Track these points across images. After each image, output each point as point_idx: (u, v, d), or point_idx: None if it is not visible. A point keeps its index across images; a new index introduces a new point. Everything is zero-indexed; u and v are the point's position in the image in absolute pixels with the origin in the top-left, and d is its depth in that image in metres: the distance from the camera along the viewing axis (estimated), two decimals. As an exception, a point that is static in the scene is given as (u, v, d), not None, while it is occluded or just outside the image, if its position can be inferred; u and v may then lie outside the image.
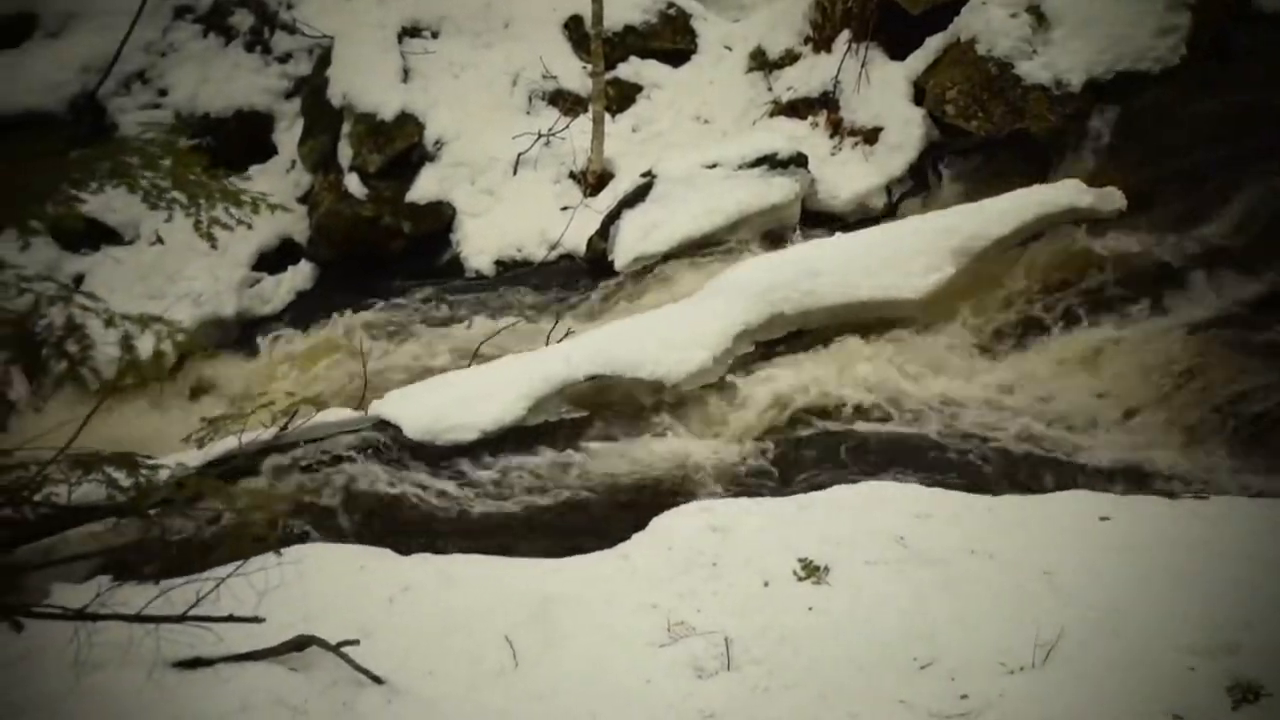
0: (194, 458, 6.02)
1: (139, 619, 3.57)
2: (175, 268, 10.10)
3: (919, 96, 10.05)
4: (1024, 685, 4.29)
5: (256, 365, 9.50)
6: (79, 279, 9.91)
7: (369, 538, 6.17)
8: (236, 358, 9.62)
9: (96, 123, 11.36)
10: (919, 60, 10.21)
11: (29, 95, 11.45)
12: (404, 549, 5.92)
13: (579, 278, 9.62)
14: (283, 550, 4.42)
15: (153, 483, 2.88)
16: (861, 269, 7.82)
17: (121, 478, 2.92)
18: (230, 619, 4.46)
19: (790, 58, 11.23)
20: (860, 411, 7.19)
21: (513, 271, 9.90)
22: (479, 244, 10.10)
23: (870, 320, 7.75)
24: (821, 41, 11.04)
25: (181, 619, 3.86)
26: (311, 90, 11.15)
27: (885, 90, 10.25)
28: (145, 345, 2.46)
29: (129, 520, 5.11)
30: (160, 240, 10.28)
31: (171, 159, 2.47)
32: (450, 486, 6.76)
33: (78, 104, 11.54)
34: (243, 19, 11.93)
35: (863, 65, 10.42)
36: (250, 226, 2.88)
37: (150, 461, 3.04)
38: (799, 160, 9.61)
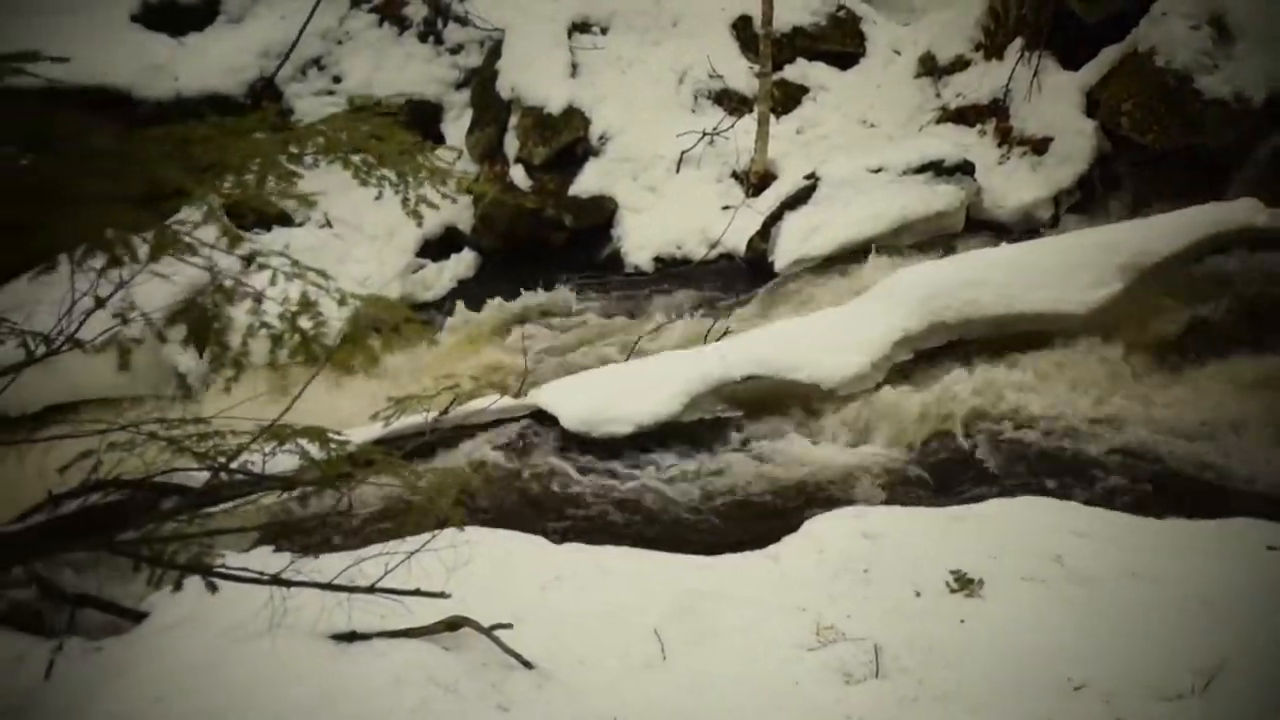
0: (362, 435, 6.18)
1: (331, 587, 3.67)
2: (343, 251, 10.32)
3: (1091, 107, 9.87)
4: (1181, 713, 4.19)
5: (418, 350, 9.67)
6: (249, 258, 10.21)
7: (523, 525, 6.25)
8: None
9: (264, 106, 11.66)
10: (1093, 70, 10.03)
11: (210, 78, 11.85)
12: (557, 538, 6.00)
13: (738, 278, 9.63)
14: (466, 529, 4.47)
15: (341, 457, 2.97)
16: (1026, 281, 7.69)
17: (314, 450, 3.01)
18: (417, 593, 4.55)
19: (960, 64, 11.10)
20: (1019, 425, 7.09)
21: (672, 269, 9.95)
22: (639, 240, 10.17)
23: (1033, 333, 7.62)
24: (993, 48, 10.91)
25: (371, 590, 3.96)
26: (481, 82, 11.33)
27: (1057, 100, 10.09)
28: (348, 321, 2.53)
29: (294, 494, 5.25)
30: (329, 224, 10.51)
31: (388, 137, 2.56)
32: (604, 478, 6.82)
33: (256, 88, 11.89)
34: (417, 10, 12.19)
35: (1035, 74, 10.26)
36: (454, 200, 2.95)
37: (338, 437, 3.13)
38: (965, 168, 9.50)
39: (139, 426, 3.22)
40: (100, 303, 3.13)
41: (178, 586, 2.76)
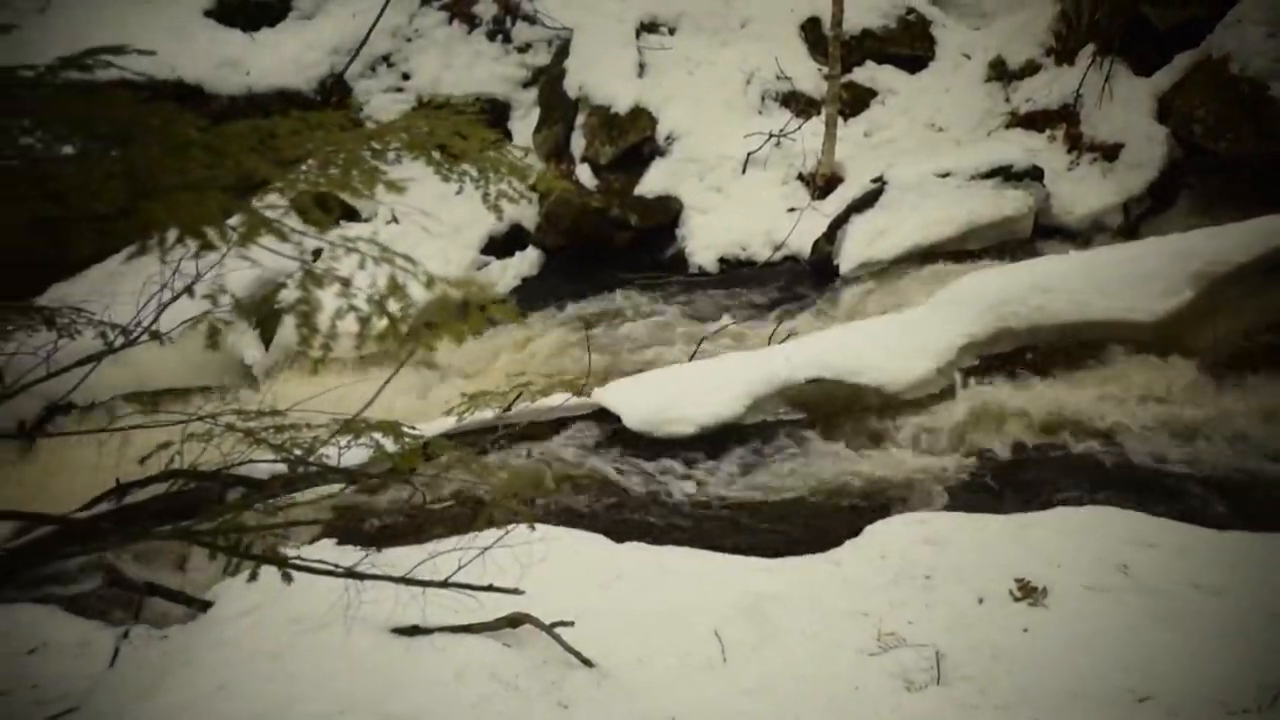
0: (432, 429, 6.22)
1: (406, 581, 3.70)
2: (409, 247, 10.26)
3: (1163, 114, 9.78)
4: (1248, 728, 4.15)
5: (479, 345, 9.70)
6: (317, 253, 10.32)
7: (584, 522, 6.27)
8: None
9: (342, 103, 11.79)
10: (1165, 77, 9.93)
11: (281, 74, 12.01)
12: (618, 536, 6.01)
13: (802, 280, 9.62)
14: (536, 527, 4.50)
15: (416, 451, 3.00)
16: (1096, 288, 7.61)
17: (389, 444, 3.05)
18: (491, 588, 4.58)
19: (1031, 68, 11.02)
20: (1085, 433, 7.01)
21: (736, 270, 9.96)
22: (704, 240, 10.18)
23: (1101, 340, 7.53)
24: (1064, 53, 10.82)
25: (444, 584, 3.98)
26: (549, 80, 11.39)
27: (1128, 106, 9.99)
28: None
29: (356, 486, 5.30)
30: (395, 220, 10.60)
31: (470, 134, 2.59)
32: (666, 478, 6.82)
33: (326, 84, 12.02)
34: (486, 8, 12.29)
35: (1106, 79, 10.16)
36: (530, 200, 2.98)
37: (412, 431, 3.16)
38: (1035, 174, 9.44)
39: (216, 418, 3.26)
40: (178, 295, 3.19)
41: (253, 577, 2.80)
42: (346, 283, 2.19)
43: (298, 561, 2.84)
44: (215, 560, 6.25)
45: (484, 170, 2.65)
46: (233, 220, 2.06)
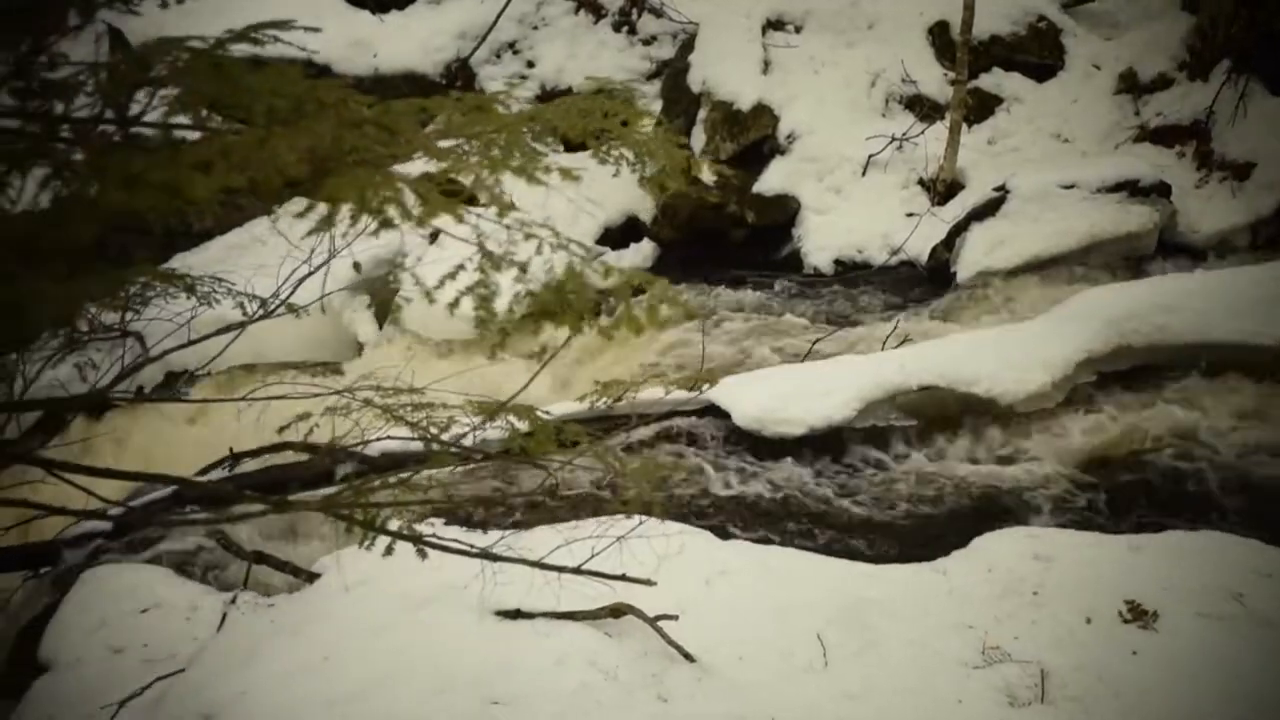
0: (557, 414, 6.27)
1: (540, 565, 3.74)
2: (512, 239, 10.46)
3: (1299, 134, 9.55)
4: (1362, 767, 4.07)
5: (589, 336, 9.73)
6: (434, 235, 10.44)
7: (690, 518, 6.29)
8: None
9: (466, 88, 11.91)
10: (1304, 96, 9.70)
11: (408, 57, 12.17)
12: (723, 533, 6.02)
13: (918, 286, 9.55)
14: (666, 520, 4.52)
15: (549, 436, 3.04)
16: (1220, 309, 7.45)
17: (523, 426, 3.09)
18: (624, 578, 4.61)
19: (1162, 82, 10.81)
20: (1202, 456, 6.89)
21: (851, 273, 9.91)
22: (820, 241, 10.14)
23: (1223, 363, 7.38)
24: (1198, 68, 10.60)
25: (578, 571, 4.02)
26: (672, 74, 11.42)
27: (1262, 125, 9.78)
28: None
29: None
30: (514, 207, 10.67)
31: (631, 120, 2.63)
32: (773, 477, 6.81)
33: (451, 68, 12.14)
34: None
35: (1241, 97, 9.96)
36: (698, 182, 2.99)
37: (543, 415, 3.21)
38: (1162, 189, 9.29)
39: (354, 392, 3.33)
40: (315, 269, 3.26)
41: (388, 551, 2.85)
42: (524, 268, 2.23)
43: (433, 540, 2.89)
44: (326, 532, 6.43)
45: (640, 154, 2.69)
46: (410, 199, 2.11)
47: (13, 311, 1.94)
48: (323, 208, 2.02)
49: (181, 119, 1.99)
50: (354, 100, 2.10)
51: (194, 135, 2.02)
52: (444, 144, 2.23)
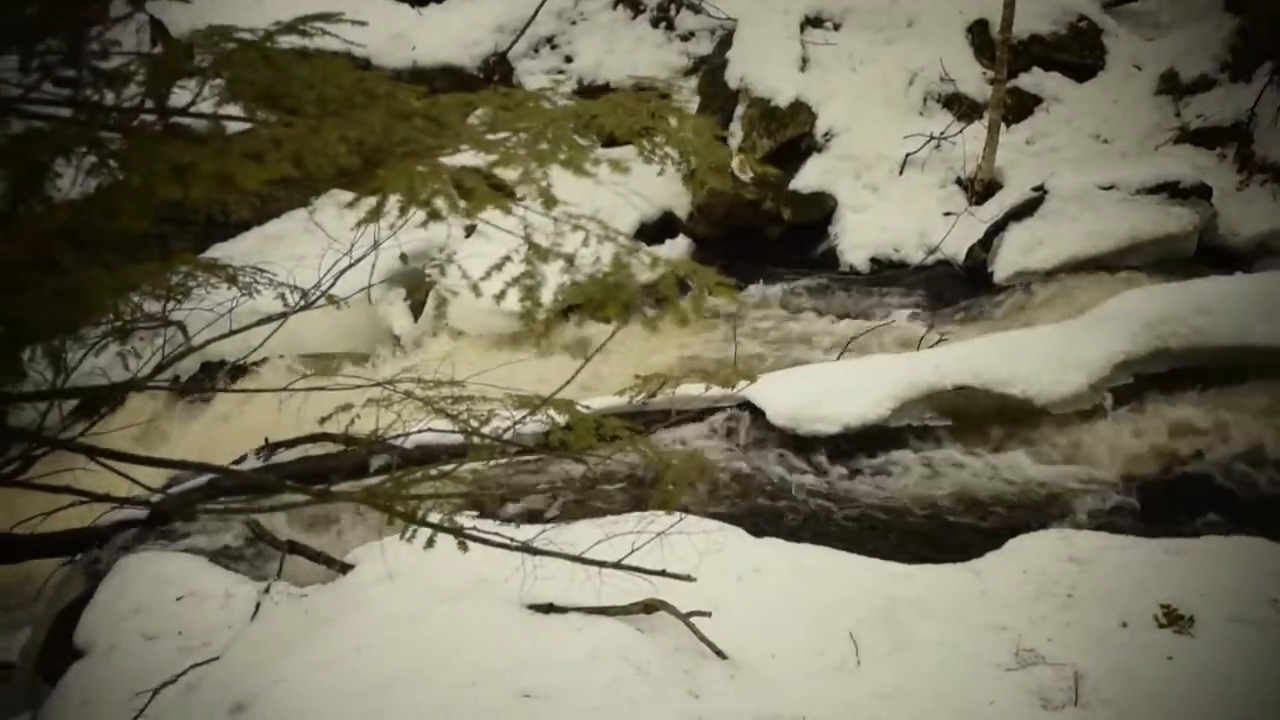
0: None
1: (580, 560, 3.76)
2: (562, 229, 10.47)
3: (1344, 138, 9.47)
4: (1399, 778, 4.04)
5: (625, 330, 9.72)
6: (470, 229, 10.47)
7: (723, 514, 6.28)
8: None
9: (504, 82, 11.93)
10: (1348, 99, 9.61)
11: (446, 50, 12.21)
12: (756, 531, 6.01)
13: (954, 285, 9.51)
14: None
15: (588, 429, 3.05)
16: (1259, 313, 7.39)
17: (563, 420, 3.10)
18: (663, 574, 4.63)
19: (1204, 83, 10.71)
20: (1239, 461, 6.85)
21: (887, 271, 9.88)
22: (857, 239, 10.11)
23: (1260, 367, 7.33)
24: (1240, 69, 10.51)
25: (618, 566, 4.04)
26: (710, 70, 11.40)
27: (1306, 128, 9.70)
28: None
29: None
30: (557, 201, 10.69)
31: (679, 119, 2.65)
32: (806, 476, 6.80)
33: (489, 62, 12.17)
34: (652, -5, 12.35)
35: (1284, 99, 9.87)
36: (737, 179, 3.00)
37: (583, 409, 3.22)
38: (1202, 192, 9.22)
39: (394, 384, 3.35)
40: (357, 261, 3.28)
41: (430, 544, 2.86)
42: (571, 259, 2.25)
43: (475, 533, 2.90)
44: (359, 523, 6.46)
45: (685, 152, 2.70)
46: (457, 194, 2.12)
47: (66, 298, 1.96)
48: (371, 199, 2.03)
49: (231, 109, 2.01)
50: (402, 92, 2.11)
51: (239, 126, 2.04)
52: (492, 137, 2.24)
